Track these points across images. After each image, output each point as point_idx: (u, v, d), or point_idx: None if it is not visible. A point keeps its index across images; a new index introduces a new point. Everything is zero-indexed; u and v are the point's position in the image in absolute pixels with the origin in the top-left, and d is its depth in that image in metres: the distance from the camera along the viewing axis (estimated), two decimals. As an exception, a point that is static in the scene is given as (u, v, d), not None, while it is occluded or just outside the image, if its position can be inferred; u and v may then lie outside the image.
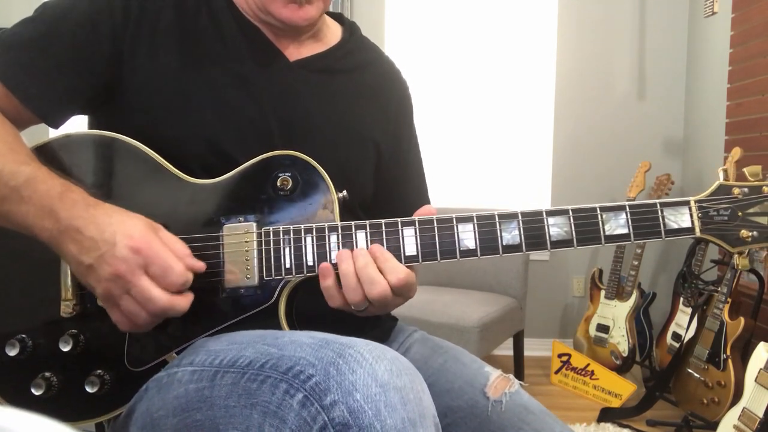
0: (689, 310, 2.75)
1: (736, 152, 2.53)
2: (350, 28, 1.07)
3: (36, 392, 0.81)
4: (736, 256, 0.82)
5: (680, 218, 0.82)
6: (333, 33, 1.04)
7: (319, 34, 1.01)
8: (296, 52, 0.98)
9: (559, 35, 3.57)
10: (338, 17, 1.09)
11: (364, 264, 0.80)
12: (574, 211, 0.82)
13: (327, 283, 0.82)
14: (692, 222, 0.82)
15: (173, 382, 0.74)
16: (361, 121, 1.01)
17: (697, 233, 0.82)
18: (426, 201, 1.11)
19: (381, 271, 0.80)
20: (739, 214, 0.82)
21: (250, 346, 0.72)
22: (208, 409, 0.69)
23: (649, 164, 3.12)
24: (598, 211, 0.82)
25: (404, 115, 1.11)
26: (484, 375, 0.93)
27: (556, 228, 0.82)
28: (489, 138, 3.62)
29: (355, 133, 1.00)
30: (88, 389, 0.81)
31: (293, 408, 0.62)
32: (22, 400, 0.82)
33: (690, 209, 0.82)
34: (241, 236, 0.83)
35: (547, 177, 3.62)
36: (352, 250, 0.81)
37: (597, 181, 3.55)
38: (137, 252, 0.73)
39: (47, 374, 0.82)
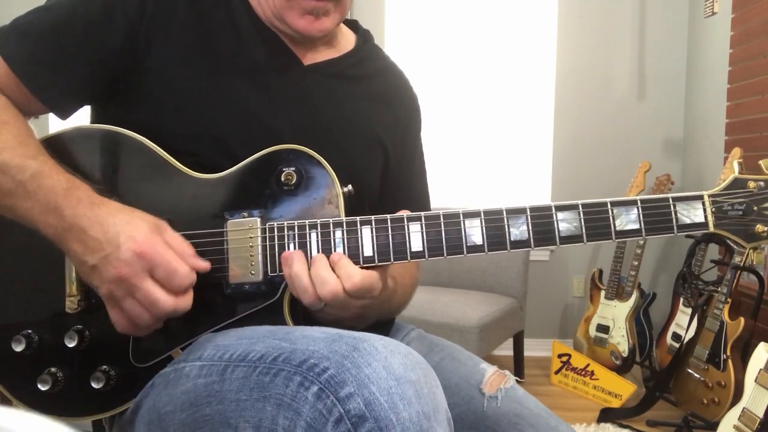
0: (689, 311, 2.75)
1: (736, 152, 2.53)
2: (364, 37, 1.06)
3: (42, 388, 0.81)
4: (750, 251, 0.80)
5: (693, 213, 0.80)
6: (347, 40, 1.04)
7: (333, 40, 1.01)
8: (310, 56, 0.98)
9: (559, 35, 3.57)
10: (353, 25, 1.08)
11: (316, 268, 0.79)
12: (583, 205, 0.81)
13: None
14: (705, 217, 0.80)
15: (181, 377, 0.74)
16: (370, 124, 1.01)
17: (711, 228, 0.80)
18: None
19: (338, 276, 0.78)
20: (755, 208, 0.80)
21: (260, 340, 0.72)
22: (218, 403, 0.69)
23: (649, 164, 3.12)
24: (609, 206, 0.81)
25: (412, 126, 1.10)
26: (480, 372, 0.94)
27: (565, 223, 0.81)
28: (489, 138, 3.62)
29: (364, 134, 1.00)
30: (94, 385, 0.81)
31: (308, 400, 0.62)
32: (28, 395, 0.82)
33: (703, 204, 0.80)
34: (245, 231, 0.83)
35: (547, 177, 3.62)
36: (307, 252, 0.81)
37: (597, 181, 3.55)
38: (141, 256, 0.73)
39: (53, 369, 0.82)
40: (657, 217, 0.81)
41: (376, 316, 0.92)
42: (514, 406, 0.89)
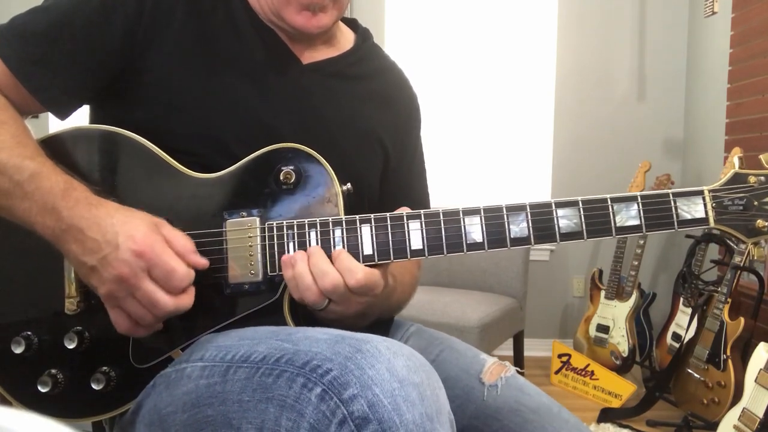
0: (689, 310, 2.75)
1: (736, 152, 2.53)
2: (363, 35, 1.06)
3: (43, 389, 0.80)
4: (751, 246, 0.80)
5: (693, 208, 0.80)
6: (346, 38, 1.04)
7: (332, 39, 1.01)
8: (309, 55, 0.97)
9: (559, 35, 3.57)
10: (352, 23, 1.08)
11: (315, 260, 0.79)
12: (583, 202, 0.80)
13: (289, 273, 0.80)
14: (706, 212, 0.80)
15: (182, 378, 0.74)
16: (370, 124, 1.00)
17: (711, 223, 0.79)
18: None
19: (338, 272, 0.78)
20: (755, 203, 0.79)
21: (262, 341, 0.72)
22: (220, 404, 0.69)
23: (649, 164, 3.12)
24: (609, 202, 0.80)
25: (412, 126, 1.10)
26: (480, 362, 0.94)
27: (565, 220, 0.80)
28: (489, 138, 3.62)
29: (364, 134, 0.99)
30: (94, 386, 0.81)
31: (311, 402, 0.62)
32: (29, 397, 0.82)
33: (704, 199, 0.80)
34: (244, 231, 0.82)
35: (547, 177, 3.62)
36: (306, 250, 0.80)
37: (597, 181, 3.55)
38: (140, 255, 0.73)
39: (53, 371, 0.82)
40: (657, 213, 0.80)
41: (377, 313, 0.92)
42: (515, 393, 0.89)
